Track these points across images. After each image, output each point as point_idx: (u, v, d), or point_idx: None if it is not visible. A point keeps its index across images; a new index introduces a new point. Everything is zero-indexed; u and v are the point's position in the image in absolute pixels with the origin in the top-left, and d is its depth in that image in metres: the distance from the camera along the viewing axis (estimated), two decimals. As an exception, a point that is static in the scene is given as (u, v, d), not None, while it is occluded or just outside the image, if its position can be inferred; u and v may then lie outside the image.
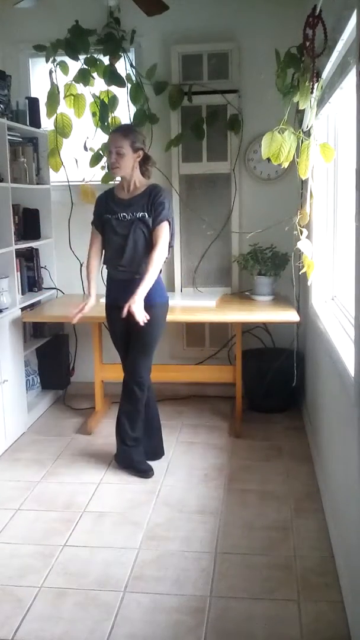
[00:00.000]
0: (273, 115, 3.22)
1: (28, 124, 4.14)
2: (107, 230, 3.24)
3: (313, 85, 2.89)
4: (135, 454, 3.34)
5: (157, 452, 3.52)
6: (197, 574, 2.48)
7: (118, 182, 3.30)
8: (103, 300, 3.38)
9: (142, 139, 3.22)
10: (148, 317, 3.04)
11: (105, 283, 3.35)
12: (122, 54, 4.05)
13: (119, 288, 3.21)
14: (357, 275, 2.01)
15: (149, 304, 3.10)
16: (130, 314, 2.98)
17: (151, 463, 3.40)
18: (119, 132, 3.16)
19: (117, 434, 3.37)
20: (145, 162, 3.24)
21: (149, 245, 3.15)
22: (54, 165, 4.17)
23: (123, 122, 4.16)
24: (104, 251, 3.32)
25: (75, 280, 4.51)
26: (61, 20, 4.00)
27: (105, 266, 3.34)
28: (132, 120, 4.13)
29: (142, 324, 3.02)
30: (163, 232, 3.13)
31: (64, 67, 4.00)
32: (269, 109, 3.54)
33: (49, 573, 2.51)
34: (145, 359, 3.26)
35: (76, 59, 4.00)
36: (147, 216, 3.13)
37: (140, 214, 3.14)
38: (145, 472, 3.30)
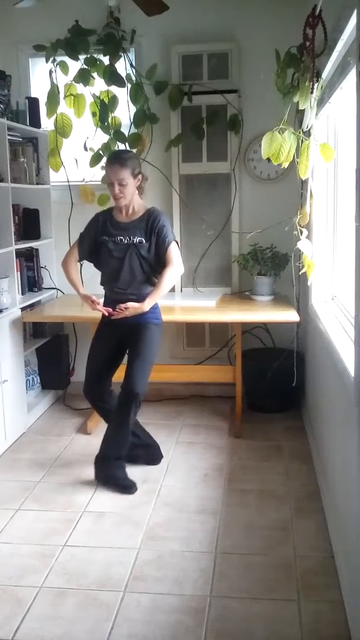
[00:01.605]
0: (273, 115, 3.22)
1: (28, 124, 4.14)
2: (103, 253, 3.20)
3: (313, 85, 2.90)
4: (118, 470, 3.19)
5: (155, 458, 3.48)
6: (197, 574, 2.48)
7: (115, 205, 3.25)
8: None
9: (139, 162, 3.23)
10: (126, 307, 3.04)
11: (104, 301, 3.26)
12: (122, 54, 4.05)
13: (114, 305, 3.12)
14: (357, 275, 2.01)
15: (144, 323, 3.15)
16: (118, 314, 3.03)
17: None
18: (117, 163, 3.07)
19: (101, 449, 3.21)
20: (140, 183, 3.21)
21: (145, 269, 3.14)
22: (54, 165, 4.17)
23: (122, 122, 4.17)
24: (101, 273, 3.28)
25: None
26: (61, 20, 4.00)
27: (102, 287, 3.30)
28: (132, 120, 4.13)
29: (128, 313, 3.04)
30: (173, 252, 3.13)
31: (64, 67, 4.01)
32: (269, 109, 3.55)
33: (49, 573, 2.51)
34: (142, 373, 3.12)
35: (76, 59, 4.00)
36: (144, 241, 3.12)
37: (137, 239, 3.12)
38: (129, 488, 3.15)
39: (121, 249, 3.15)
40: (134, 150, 4.17)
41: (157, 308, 3.24)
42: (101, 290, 3.32)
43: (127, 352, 3.21)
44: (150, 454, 3.46)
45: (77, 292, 3.26)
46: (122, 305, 3.04)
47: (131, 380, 3.10)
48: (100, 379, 3.29)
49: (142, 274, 3.15)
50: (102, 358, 3.28)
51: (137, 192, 3.18)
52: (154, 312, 3.20)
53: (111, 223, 3.22)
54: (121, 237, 3.15)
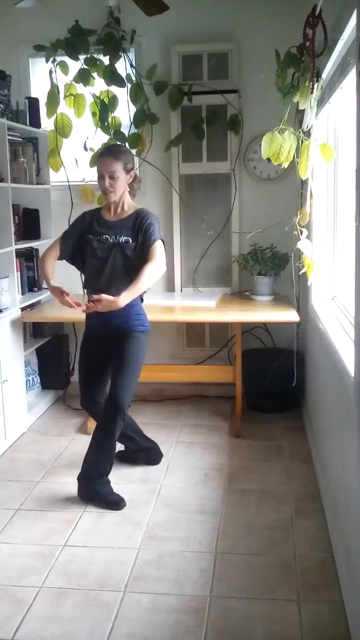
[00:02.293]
0: (273, 115, 3.22)
1: (28, 124, 4.14)
2: (87, 252, 3.08)
3: (313, 85, 2.90)
4: (102, 487, 3.06)
5: (156, 458, 3.46)
6: (197, 574, 2.48)
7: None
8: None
9: (132, 158, 3.13)
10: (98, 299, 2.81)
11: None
12: (122, 54, 4.05)
13: (99, 315, 3.01)
14: (357, 275, 2.01)
15: (130, 331, 3.03)
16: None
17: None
18: (110, 155, 3.00)
19: (84, 467, 3.09)
20: (132, 182, 3.12)
21: (129, 271, 2.99)
22: (54, 165, 4.17)
23: (122, 122, 4.17)
24: (84, 274, 3.17)
25: (76, 280, 4.49)
26: (61, 20, 3.99)
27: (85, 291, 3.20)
28: (132, 120, 4.13)
29: (100, 307, 2.81)
30: (157, 249, 2.96)
31: (64, 67, 4.00)
32: (269, 109, 3.54)
33: (49, 573, 2.51)
34: (127, 387, 3.00)
35: (76, 59, 4.00)
36: (130, 241, 3.00)
37: (123, 238, 3.00)
38: (116, 504, 3.01)
39: (105, 249, 3.02)
40: (134, 151, 4.17)
41: (143, 314, 3.13)
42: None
43: (113, 361, 3.07)
44: (150, 455, 3.45)
45: (47, 285, 3.08)
46: (95, 297, 2.83)
47: (115, 395, 2.99)
48: (93, 389, 3.20)
49: (126, 276, 2.98)
50: (91, 370, 3.18)
51: (128, 190, 3.08)
52: (140, 318, 3.09)
53: (98, 222, 3.10)
54: (107, 236, 3.03)
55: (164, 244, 3.03)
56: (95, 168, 4.11)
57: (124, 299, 2.83)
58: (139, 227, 3.00)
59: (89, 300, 2.89)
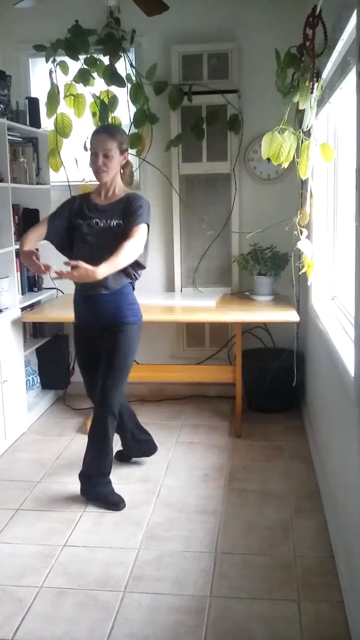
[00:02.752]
0: (273, 115, 3.22)
1: (28, 124, 4.14)
2: (76, 238, 2.97)
3: (313, 85, 2.90)
4: (102, 487, 3.05)
5: (149, 449, 3.43)
6: (197, 574, 2.48)
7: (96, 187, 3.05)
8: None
9: (127, 139, 3.02)
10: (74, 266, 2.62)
11: (73, 300, 3.07)
12: (122, 54, 4.05)
13: (86, 305, 2.97)
14: (357, 275, 2.01)
15: (122, 322, 2.92)
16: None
17: (148, 461, 3.40)
18: (105, 133, 2.91)
19: (84, 467, 3.08)
20: (124, 166, 3.01)
21: None
22: (54, 165, 4.17)
23: (122, 122, 4.17)
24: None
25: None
26: (61, 20, 3.99)
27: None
28: (132, 120, 4.13)
29: (76, 274, 2.61)
30: (140, 231, 2.81)
31: (64, 67, 4.00)
32: (269, 109, 3.55)
33: (49, 573, 2.51)
34: (117, 386, 2.97)
35: (76, 59, 4.00)
36: (122, 224, 2.87)
37: (115, 222, 2.88)
38: (116, 505, 2.99)
39: (95, 234, 2.90)
40: (134, 151, 4.18)
41: (135, 304, 3.00)
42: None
43: (102, 356, 2.98)
44: (144, 447, 3.43)
45: (20, 251, 2.96)
46: (73, 262, 2.63)
47: (105, 395, 2.95)
48: (96, 381, 3.07)
49: None
50: (89, 363, 3.09)
51: (119, 174, 2.96)
52: (132, 308, 2.97)
53: (88, 206, 2.98)
54: (97, 220, 2.91)
55: (148, 228, 2.90)
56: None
57: (102, 270, 2.63)
58: (128, 209, 2.87)
59: (65, 263, 2.71)
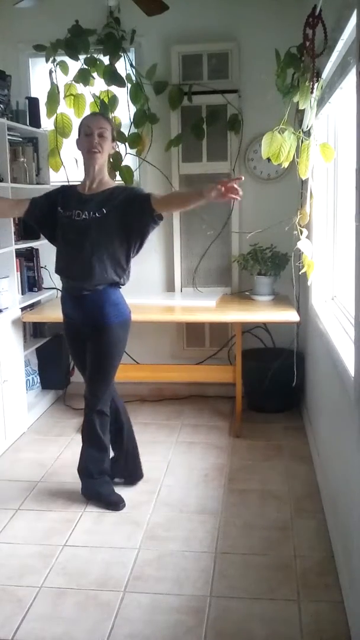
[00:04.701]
0: (273, 115, 3.22)
1: (28, 124, 4.14)
2: (58, 232, 2.88)
3: (313, 85, 2.90)
4: (102, 486, 3.05)
5: (134, 476, 3.22)
6: (197, 574, 2.48)
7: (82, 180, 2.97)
8: None
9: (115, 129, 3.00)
10: (238, 191, 2.50)
11: (61, 299, 3.04)
12: (122, 54, 4.05)
13: (72, 304, 2.92)
14: (357, 275, 2.02)
15: (104, 322, 2.85)
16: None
17: (148, 461, 3.40)
18: (100, 115, 2.91)
19: (80, 466, 3.08)
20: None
21: (110, 254, 2.78)
22: (54, 165, 4.16)
23: (122, 122, 4.17)
24: (55, 259, 2.95)
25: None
26: (61, 20, 3.99)
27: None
28: (132, 120, 4.13)
29: (238, 195, 2.50)
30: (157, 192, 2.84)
31: (64, 67, 4.00)
32: (269, 109, 3.54)
33: (49, 573, 2.51)
34: (104, 385, 2.94)
35: (76, 59, 4.00)
36: (105, 212, 2.74)
37: (98, 212, 2.76)
38: (115, 505, 2.98)
39: (79, 228, 2.78)
40: (134, 151, 4.18)
41: (120, 304, 2.90)
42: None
43: (87, 356, 2.94)
44: (133, 471, 3.25)
45: None
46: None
47: (91, 394, 2.96)
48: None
49: (104, 261, 2.77)
50: (80, 360, 3.05)
51: (106, 165, 2.91)
52: (116, 307, 2.87)
53: (73, 195, 2.88)
54: (79, 212, 2.79)
55: None
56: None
57: (206, 192, 2.56)
58: (123, 195, 2.79)
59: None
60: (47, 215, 2.93)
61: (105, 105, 4.06)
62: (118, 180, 4.01)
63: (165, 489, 3.20)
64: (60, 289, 3.04)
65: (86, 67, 3.99)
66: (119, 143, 4.10)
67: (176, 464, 3.49)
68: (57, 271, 2.95)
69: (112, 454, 3.17)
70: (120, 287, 2.94)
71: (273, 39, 3.50)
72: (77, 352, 3.06)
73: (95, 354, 2.92)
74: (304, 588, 2.38)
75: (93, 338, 2.91)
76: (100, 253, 2.78)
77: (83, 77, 3.99)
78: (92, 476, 3.06)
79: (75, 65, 4.02)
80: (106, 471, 3.08)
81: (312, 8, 2.83)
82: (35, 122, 4.23)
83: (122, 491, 3.12)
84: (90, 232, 2.77)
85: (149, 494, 3.14)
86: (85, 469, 3.08)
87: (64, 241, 2.88)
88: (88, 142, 2.82)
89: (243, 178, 2.70)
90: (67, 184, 3.09)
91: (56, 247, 2.96)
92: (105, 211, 2.77)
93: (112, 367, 2.95)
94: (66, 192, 2.95)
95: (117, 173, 4.06)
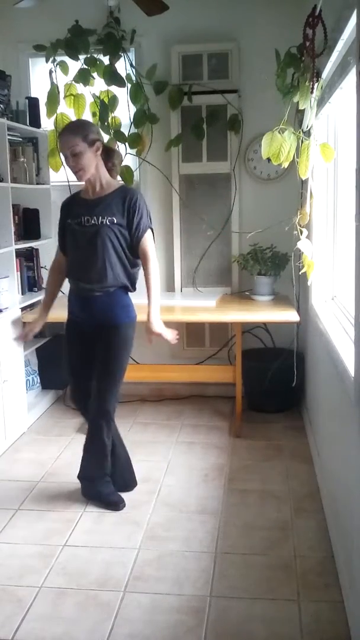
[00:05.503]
0: (273, 115, 3.22)
1: (28, 124, 4.14)
2: (67, 238, 2.87)
3: (313, 85, 2.90)
4: (102, 486, 3.03)
5: (128, 484, 3.16)
6: (197, 574, 2.48)
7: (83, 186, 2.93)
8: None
9: (96, 129, 2.83)
10: (177, 334, 2.89)
11: (68, 298, 3.01)
12: (122, 54, 4.05)
13: (79, 305, 2.92)
14: (357, 275, 2.01)
15: (113, 324, 2.85)
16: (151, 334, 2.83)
17: (148, 461, 3.40)
18: (67, 131, 2.76)
19: (81, 473, 3.09)
20: (109, 157, 2.87)
21: (120, 258, 2.80)
22: (54, 165, 4.16)
23: (122, 122, 4.17)
24: (67, 263, 2.96)
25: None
26: (61, 20, 3.99)
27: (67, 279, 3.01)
28: (132, 120, 4.13)
29: (175, 340, 2.89)
30: (148, 242, 2.80)
31: (64, 67, 4.00)
32: (269, 109, 3.55)
33: (49, 573, 2.51)
34: (113, 389, 2.89)
35: (76, 59, 4.00)
36: (115, 221, 2.75)
37: (108, 219, 2.75)
38: (115, 505, 2.97)
39: (88, 233, 2.77)
40: (134, 151, 4.17)
41: (131, 305, 2.92)
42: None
43: (96, 357, 2.90)
44: (125, 481, 3.17)
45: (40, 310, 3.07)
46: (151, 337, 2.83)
47: (99, 398, 2.89)
48: (81, 385, 3.00)
49: (115, 266, 2.79)
50: (77, 363, 3.00)
51: (102, 165, 2.82)
52: (126, 309, 2.89)
53: (77, 203, 2.86)
54: (88, 217, 2.76)
55: (152, 232, 2.86)
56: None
57: (155, 318, 2.83)
58: (128, 207, 2.77)
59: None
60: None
61: (105, 105, 4.06)
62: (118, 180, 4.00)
63: (165, 489, 3.20)
64: (68, 291, 3.00)
65: (86, 67, 4.00)
66: (119, 143, 4.12)
67: (176, 464, 3.49)
68: (69, 275, 2.94)
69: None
70: (129, 291, 2.95)
71: (273, 39, 3.50)
72: (75, 354, 3.01)
73: (104, 355, 2.88)
74: (304, 588, 2.38)
75: (102, 338, 2.88)
76: (111, 257, 2.79)
77: (83, 77, 3.99)
78: (92, 479, 3.06)
79: (75, 65, 4.03)
80: (107, 473, 3.07)
81: (312, 8, 2.83)
82: (35, 122, 4.23)
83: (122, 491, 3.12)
84: (100, 237, 2.76)
85: (149, 494, 3.14)
86: (86, 475, 3.07)
87: (75, 247, 2.86)
88: (68, 165, 2.80)
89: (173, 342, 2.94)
90: (67, 197, 3.03)
91: (68, 256, 2.94)
92: (114, 219, 2.77)
93: (120, 368, 2.91)
94: (70, 204, 2.93)
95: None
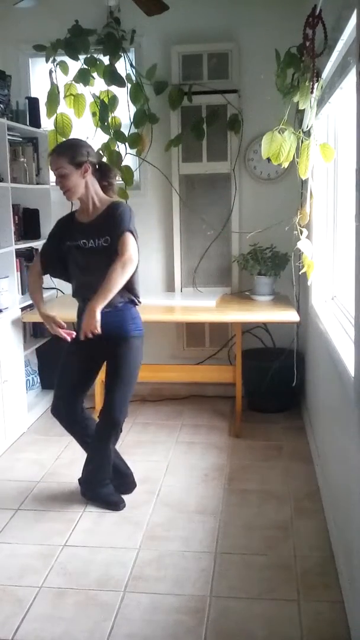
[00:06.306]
0: (273, 115, 3.22)
1: (28, 124, 4.14)
2: (70, 261, 2.90)
3: (313, 85, 2.90)
4: (102, 487, 3.04)
5: (131, 488, 3.16)
6: (197, 574, 2.48)
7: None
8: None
9: (85, 150, 2.79)
10: (99, 330, 2.68)
11: (77, 313, 3.00)
12: (122, 54, 4.05)
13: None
14: (357, 275, 2.01)
15: (123, 336, 2.87)
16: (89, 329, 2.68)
17: (148, 461, 3.40)
18: (54, 152, 2.79)
19: (84, 474, 3.08)
20: (104, 176, 2.89)
21: None
22: (54, 165, 4.16)
23: (122, 122, 4.16)
24: (71, 284, 2.99)
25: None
26: (61, 20, 4.00)
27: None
28: (132, 120, 4.13)
29: (96, 331, 2.68)
30: (126, 240, 2.72)
31: (64, 67, 4.00)
32: (269, 109, 3.54)
33: (49, 573, 2.51)
34: (123, 399, 2.90)
35: (76, 59, 4.00)
36: (110, 240, 2.75)
37: (102, 240, 2.77)
38: (115, 505, 2.98)
39: (87, 255, 2.82)
40: (134, 151, 4.17)
41: (138, 317, 2.96)
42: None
43: (106, 370, 2.94)
44: (122, 485, 3.15)
45: (38, 312, 2.96)
46: (84, 322, 2.68)
47: (111, 406, 2.89)
48: (71, 397, 3.00)
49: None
50: (74, 374, 2.99)
51: (93, 185, 2.82)
52: (134, 322, 2.92)
53: (74, 225, 2.90)
54: (84, 241, 2.81)
55: (134, 235, 2.79)
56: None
57: (94, 305, 2.65)
58: (113, 222, 2.77)
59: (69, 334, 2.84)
60: (59, 257, 2.95)
61: (105, 105, 4.06)
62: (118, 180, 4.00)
63: (165, 489, 3.20)
64: (77, 309, 3.00)
65: (86, 67, 4.00)
66: (119, 143, 4.12)
67: (176, 464, 3.49)
68: (76, 295, 2.97)
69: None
70: (136, 305, 2.97)
71: (273, 39, 3.50)
72: (76, 367, 2.98)
73: (115, 366, 2.90)
74: (304, 588, 2.38)
75: (111, 351, 2.90)
76: None
77: (83, 77, 3.99)
78: (92, 482, 3.06)
79: (75, 65, 4.03)
80: (107, 477, 3.07)
81: (312, 8, 2.83)
82: (35, 122, 4.23)
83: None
84: (100, 257, 2.78)
85: (149, 494, 3.14)
86: (87, 477, 3.07)
87: (77, 267, 2.90)
88: (57, 184, 2.84)
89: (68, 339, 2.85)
90: (62, 217, 3.03)
91: (71, 275, 2.97)
92: (109, 239, 2.77)
93: (130, 379, 2.91)
94: (67, 224, 2.95)
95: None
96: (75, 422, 3.05)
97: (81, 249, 2.84)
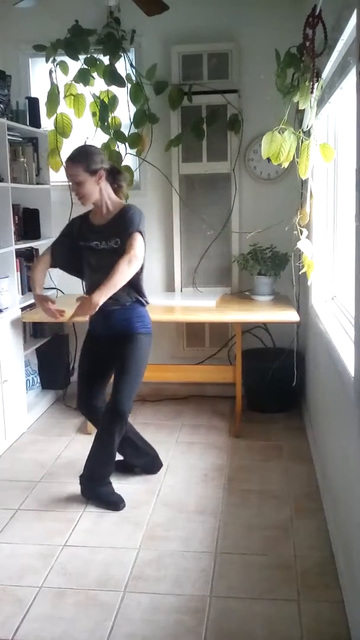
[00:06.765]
0: (273, 115, 3.22)
1: (28, 124, 4.15)
2: (83, 262, 3.04)
3: (313, 85, 2.90)
4: (103, 487, 3.06)
5: (154, 466, 3.32)
6: (196, 574, 2.48)
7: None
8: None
9: (99, 158, 2.91)
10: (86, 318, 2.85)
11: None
12: (122, 54, 4.05)
13: (98, 319, 3.02)
14: (357, 275, 2.01)
15: (130, 333, 2.98)
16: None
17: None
18: (70, 160, 2.89)
19: (85, 469, 3.10)
20: (115, 179, 3.00)
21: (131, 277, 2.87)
22: (54, 165, 4.16)
23: (122, 122, 4.16)
24: (83, 282, 3.13)
25: (75, 280, 4.50)
26: (61, 20, 3.99)
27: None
28: (132, 120, 4.13)
29: (78, 314, 2.75)
30: (134, 240, 2.82)
31: (64, 67, 4.00)
32: (269, 109, 3.54)
33: (49, 573, 2.51)
34: (129, 390, 2.95)
35: (76, 59, 4.00)
36: (120, 242, 2.88)
37: (114, 241, 2.90)
38: (115, 505, 3.00)
39: (100, 256, 2.95)
40: (134, 151, 4.17)
41: (146, 316, 3.06)
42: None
43: (115, 366, 3.03)
44: (148, 464, 3.33)
45: (33, 292, 3.08)
46: (78, 298, 2.81)
47: (117, 399, 2.94)
48: (91, 391, 3.14)
49: (126, 283, 2.86)
50: (90, 370, 3.14)
51: (106, 189, 2.94)
52: (142, 320, 3.03)
53: (88, 227, 3.03)
54: (97, 242, 2.95)
55: (142, 236, 2.88)
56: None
57: (97, 297, 2.69)
58: (124, 225, 2.88)
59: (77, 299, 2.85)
60: (71, 254, 3.07)
61: (105, 105, 4.06)
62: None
63: (165, 489, 3.20)
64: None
65: (86, 67, 3.99)
66: (119, 143, 4.12)
67: (176, 464, 3.49)
68: (87, 293, 3.03)
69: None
70: (147, 303, 3.09)
71: (273, 39, 3.50)
72: (90, 363, 3.13)
73: (123, 360, 2.98)
74: (304, 588, 2.38)
75: (119, 347, 3.00)
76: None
77: (83, 77, 3.99)
78: (93, 480, 3.07)
79: (75, 65, 4.02)
80: (108, 476, 3.08)
81: (312, 8, 2.83)
82: (35, 122, 4.23)
83: (122, 491, 3.11)
84: (110, 259, 2.85)
85: (149, 494, 3.14)
86: (88, 473, 3.08)
87: (88, 267, 3.03)
88: (72, 191, 2.97)
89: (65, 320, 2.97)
90: (76, 216, 3.16)
91: (84, 275, 3.10)
92: (119, 241, 2.89)
93: (139, 372, 3.00)
94: (81, 225, 3.07)
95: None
96: (96, 414, 3.16)
97: (93, 250, 2.97)
